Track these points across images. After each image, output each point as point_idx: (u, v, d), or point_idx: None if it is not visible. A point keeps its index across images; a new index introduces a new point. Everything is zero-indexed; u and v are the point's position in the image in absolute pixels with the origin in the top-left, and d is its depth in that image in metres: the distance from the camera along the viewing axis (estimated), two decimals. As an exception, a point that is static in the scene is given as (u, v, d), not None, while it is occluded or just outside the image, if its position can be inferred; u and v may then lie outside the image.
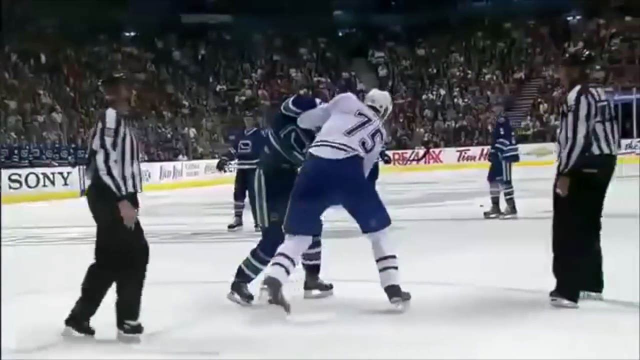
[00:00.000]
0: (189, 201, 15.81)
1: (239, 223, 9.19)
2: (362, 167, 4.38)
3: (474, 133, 29.44)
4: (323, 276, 4.85)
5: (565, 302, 4.22)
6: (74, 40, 29.14)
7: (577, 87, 4.27)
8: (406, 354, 3.54)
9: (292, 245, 4.29)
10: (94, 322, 3.96)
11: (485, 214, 9.48)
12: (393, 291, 4.24)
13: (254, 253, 4.60)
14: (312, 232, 4.41)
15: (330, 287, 4.82)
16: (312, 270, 4.80)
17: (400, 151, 27.58)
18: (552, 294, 4.28)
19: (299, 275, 4.73)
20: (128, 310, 3.85)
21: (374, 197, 4.43)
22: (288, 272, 4.25)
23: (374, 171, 9.71)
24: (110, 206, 3.76)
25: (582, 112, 4.20)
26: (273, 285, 4.18)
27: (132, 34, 33.33)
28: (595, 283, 4.37)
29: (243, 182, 8.85)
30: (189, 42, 34.70)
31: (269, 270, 4.29)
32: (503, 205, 9.47)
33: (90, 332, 3.94)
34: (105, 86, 3.98)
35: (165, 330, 4.12)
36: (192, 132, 27.41)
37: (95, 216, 3.89)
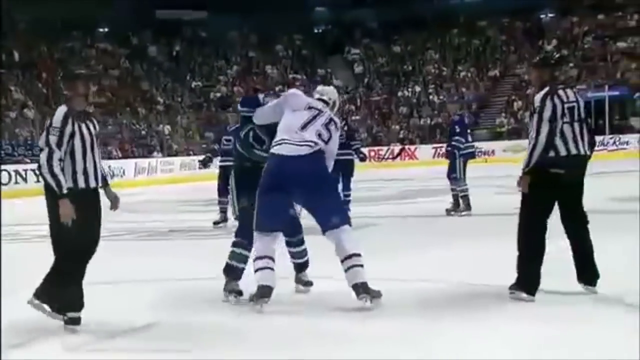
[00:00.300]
0: (164, 198, 15.78)
1: (224, 219, 9.22)
2: (325, 162, 4.47)
3: (447, 131, 29.62)
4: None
5: (524, 295, 4.36)
6: (48, 36, 28.88)
7: (546, 89, 4.40)
8: (377, 350, 3.61)
9: (263, 244, 4.39)
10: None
11: (446, 211, 9.62)
12: (361, 289, 4.29)
13: (234, 243, 4.69)
14: (281, 228, 4.51)
15: (310, 283, 4.91)
16: (301, 267, 4.92)
17: (375, 148, 27.74)
18: (511, 287, 4.43)
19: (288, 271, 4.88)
20: (67, 303, 3.97)
21: (336, 195, 4.56)
22: (273, 269, 4.38)
23: (348, 168, 9.93)
24: (53, 203, 3.91)
25: (547, 113, 4.34)
26: (268, 292, 4.33)
27: (106, 29, 33.07)
28: (589, 277, 4.48)
29: (226, 179, 8.83)
30: (163, 38, 34.54)
31: (257, 277, 4.37)
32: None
33: (57, 317, 4.02)
34: (64, 82, 4.11)
35: (142, 328, 4.14)
36: (167, 128, 27.34)
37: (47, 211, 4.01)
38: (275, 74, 33.95)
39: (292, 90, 4.73)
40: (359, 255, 4.34)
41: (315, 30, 39.01)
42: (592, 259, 4.47)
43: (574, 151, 4.40)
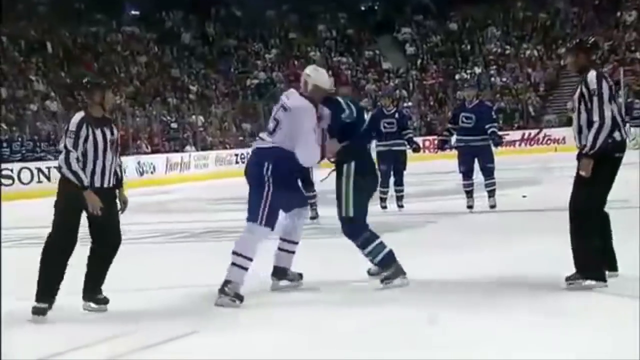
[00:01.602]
0: (199, 196, 15.92)
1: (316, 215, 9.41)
2: (268, 158, 4.99)
3: (513, 116, 29.30)
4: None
5: (592, 282, 4.71)
6: (69, 20, 29.40)
7: (593, 72, 4.81)
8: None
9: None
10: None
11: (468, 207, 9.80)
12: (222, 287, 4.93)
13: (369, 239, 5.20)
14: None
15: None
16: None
17: (431, 137, 27.49)
18: (573, 277, 4.74)
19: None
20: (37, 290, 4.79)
21: (261, 192, 4.98)
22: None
23: (400, 160, 9.89)
24: (60, 194, 4.87)
25: (606, 94, 4.71)
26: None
27: (133, 12, 33.54)
28: (612, 263, 4.96)
29: None
30: (195, 20, 34.84)
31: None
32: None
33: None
34: (81, 90, 5.08)
35: (182, 337, 4.25)
36: (200, 119, 27.54)
37: None
38: (318, 57, 33.98)
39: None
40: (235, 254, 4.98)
41: (362, 8, 38.91)
42: (612, 245, 4.98)
43: (623, 136, 4.81)
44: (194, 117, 27.42)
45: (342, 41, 36.08)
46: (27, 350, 4.16)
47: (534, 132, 25.21)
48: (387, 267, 5.17)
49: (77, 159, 4.78)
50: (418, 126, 28.64)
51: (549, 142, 25.52)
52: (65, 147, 4.82)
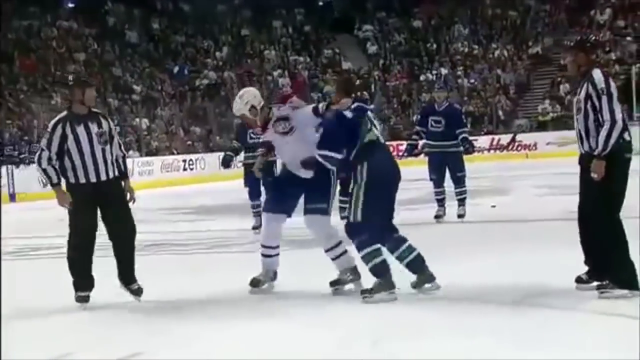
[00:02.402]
0: (144, 206, 15.62)
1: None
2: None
3: (482, 120, 29.55)
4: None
5: (625, 291, 4.83)
6: None
7: (598, 70, 5.00)
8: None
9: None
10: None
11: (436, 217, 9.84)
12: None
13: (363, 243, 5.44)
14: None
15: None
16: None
17: (394, 143, 27.46)
18: (604, 286, 4.88)
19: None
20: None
21: None
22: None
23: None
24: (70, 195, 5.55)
25: (614, 93, 4.88)
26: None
27: (70, 4, 33.06)
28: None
29: (253, 178, 9.54)
30: (139, 14, 34.51)
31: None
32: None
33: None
34: (63, 88, 5.98)
35: None
36: (145, 122, 27.27)
37: None
38: (273, 55, 33.90)
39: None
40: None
41: (320, 3, 38.97)
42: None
43: (630, 136, 4.99)
44: (137, 120, 27.14)
45: (299, 39, 36.06)
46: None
47: (504, 137, 25.37)
48: (377, 276, 5.33)
49: (50, 157, 5.43)
50: (381, 131, 28.65)
51: (519, 148, 25.74)
52: (40, 146, 5.51)
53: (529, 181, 15.13)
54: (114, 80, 29.92)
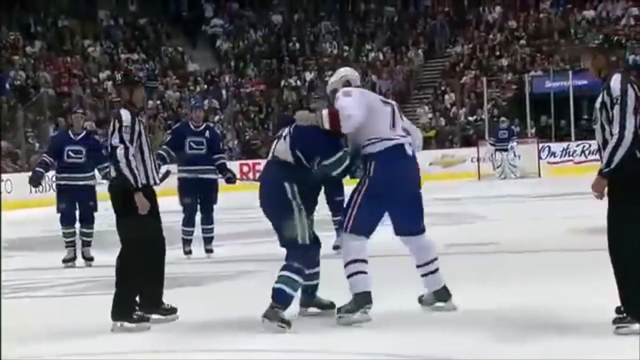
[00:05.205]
0: None
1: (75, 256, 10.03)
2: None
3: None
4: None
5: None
6: None
7: (618, 75, 5.21)
8: None
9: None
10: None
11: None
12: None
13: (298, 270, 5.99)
14: None
15: (332, 305, 6.22)
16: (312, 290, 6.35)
17: (250, 162, 27.43)
18: (620, 320, 5.17)
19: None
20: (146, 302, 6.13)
21: None
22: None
23: (209, 192, 9.99)
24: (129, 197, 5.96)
25: (631, 103, 5.12)
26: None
27: None
28: None
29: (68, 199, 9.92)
30: None
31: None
32: None
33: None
34: (119, 88, 6.42)
35: None
36: None
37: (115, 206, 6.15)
38: (98, 53, 33.35)
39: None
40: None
41: (159, -10, 38.80)
42: None
43: None
44: None
45: (133, 33, 35.67)
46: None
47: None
48: (279, 305, 5.79)
49: (134, 155, 5.95)
50: (233, 147, 28.69)
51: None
52: (123, 141, 5.91)
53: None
54: None
